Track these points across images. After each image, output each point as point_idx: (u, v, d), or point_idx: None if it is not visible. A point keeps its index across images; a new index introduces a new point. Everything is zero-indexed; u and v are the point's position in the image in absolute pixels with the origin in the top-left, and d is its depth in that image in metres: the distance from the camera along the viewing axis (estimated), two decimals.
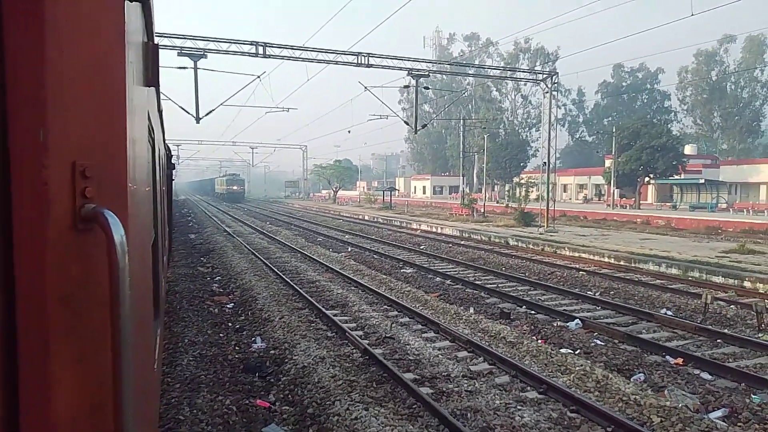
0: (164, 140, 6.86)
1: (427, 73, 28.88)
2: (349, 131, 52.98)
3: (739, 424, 6.05)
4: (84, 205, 0.96)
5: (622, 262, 17.39)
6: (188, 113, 25.74)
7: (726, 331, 9.64)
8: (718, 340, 9.14)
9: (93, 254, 1.01)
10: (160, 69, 2.42)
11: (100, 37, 1.11)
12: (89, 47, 1.05)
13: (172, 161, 14.89)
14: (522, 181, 37.58)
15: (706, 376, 7.53)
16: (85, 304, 0.98)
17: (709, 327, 9.77)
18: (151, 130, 2.61)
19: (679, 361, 8.03)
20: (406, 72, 27.61)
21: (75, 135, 0.97)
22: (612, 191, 51.35)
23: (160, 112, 4.59)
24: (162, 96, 5.07)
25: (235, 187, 70.73)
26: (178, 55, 23.94)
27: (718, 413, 6.27)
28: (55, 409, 0.88)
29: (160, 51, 2.45)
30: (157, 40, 2.68)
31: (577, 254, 19.34)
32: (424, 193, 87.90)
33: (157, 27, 3.31)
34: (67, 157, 0.93)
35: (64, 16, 0.93)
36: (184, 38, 24.08)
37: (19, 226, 0.85)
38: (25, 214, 0.85)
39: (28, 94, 0.85)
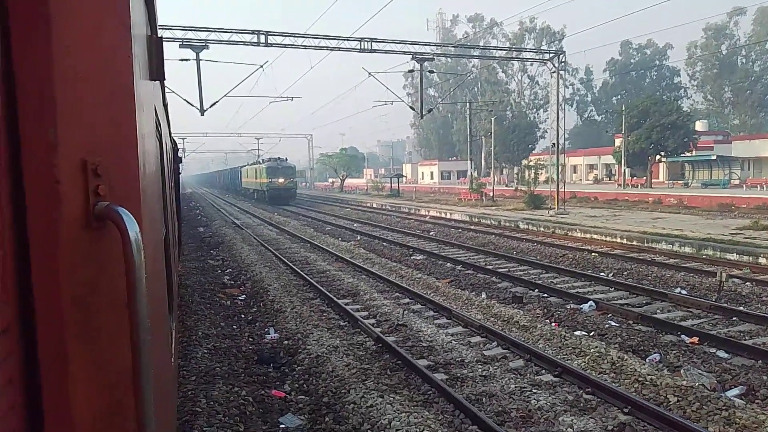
0: (170, 134, 6.86)
1: (431, 56, 28.66)
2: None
3: (757, 401, 6.01)
4: (97, 203, 0.95)
5: (634, 243, 17.27)
6: (192, 106, 25.76)
7: (741, 308, 9.56)
8: (734, 318, 9.07)
9: (107, 253, 1.00)
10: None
11: (106, 31, 1.09)
12: (96, 43, 1.04)
13: (179, 155, 14.94)
14: (531, 164, 37.30)
15: (722, 354, 7.48)
16: (100, 303, 0.97)
17: (724, 305, 9.69)
18: (158, 125, 2.60)
19: (695, 340, 7.99)
20: (410, 56, 27.38)
21: (85, 132, 0.96)
22: (623, 171, 50.89)
23: (165, 105, 4.58)
24: (166, 89, 5.04)
25: (281, 180, 44.26)
26: (180, 47, 23.87)
27: (736, 391, 6.24)
28: (76, 409, 0.89)
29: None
30: (159, 32, 2.64)
31: (588, 236, 19.22)
32: (432, 178, 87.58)
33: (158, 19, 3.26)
34: (77, 155, 0.92)
35: (70, 13, 0.91)
36: (185, 29, 23.97)
37: (33, 226, 0.84)
38: (38, 214, 0.85)
39: (37, 93, 0.84)
